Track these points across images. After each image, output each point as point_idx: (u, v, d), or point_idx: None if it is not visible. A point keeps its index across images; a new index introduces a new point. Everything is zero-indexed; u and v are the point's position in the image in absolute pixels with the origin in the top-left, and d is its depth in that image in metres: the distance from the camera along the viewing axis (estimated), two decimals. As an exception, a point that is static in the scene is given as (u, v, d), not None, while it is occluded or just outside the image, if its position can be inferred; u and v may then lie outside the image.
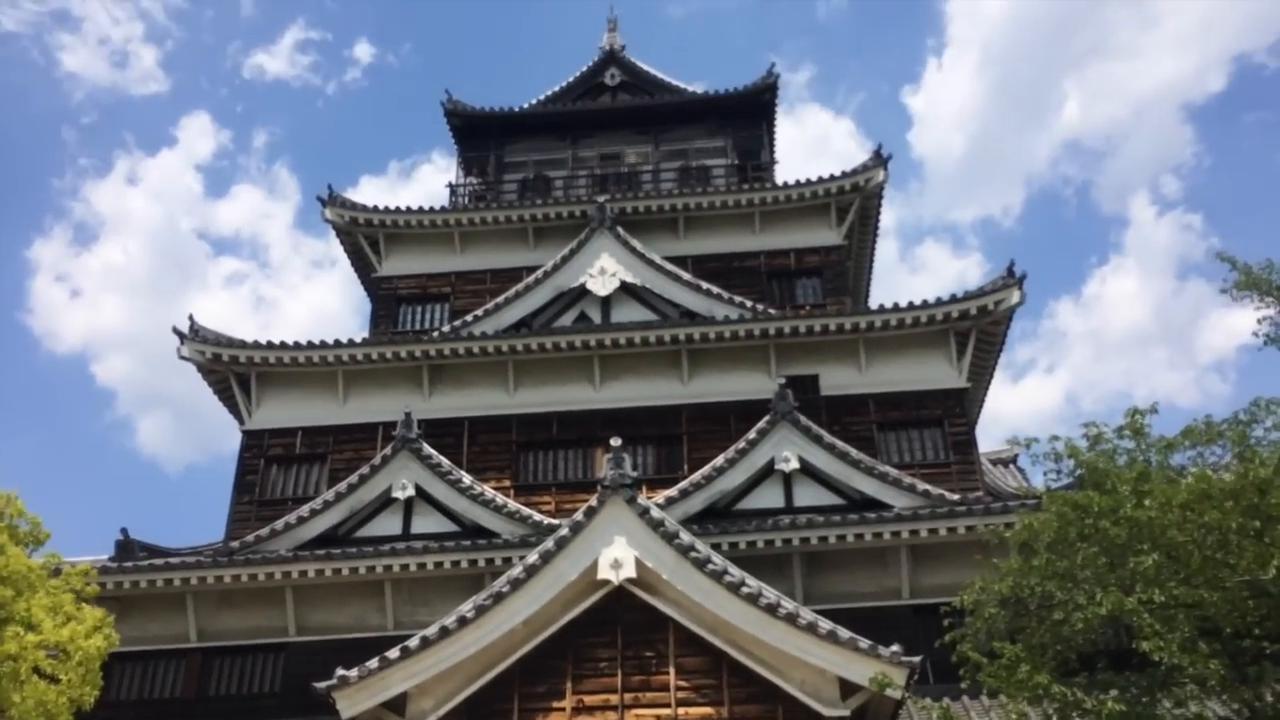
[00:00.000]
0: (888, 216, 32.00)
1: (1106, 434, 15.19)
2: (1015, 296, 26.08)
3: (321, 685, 17.72)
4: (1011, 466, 32.40)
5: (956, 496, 23.36)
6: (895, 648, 16.79)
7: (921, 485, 23.52)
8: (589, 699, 17.93)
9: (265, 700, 22.69)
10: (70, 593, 16.24)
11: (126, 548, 23.37)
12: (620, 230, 29.35)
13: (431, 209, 31.11)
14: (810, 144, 79.99)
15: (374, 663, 17.86)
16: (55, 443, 74.06)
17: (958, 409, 26.28)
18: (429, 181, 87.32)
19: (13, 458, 63.23)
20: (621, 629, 18.34)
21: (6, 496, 16.22)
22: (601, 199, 30.19)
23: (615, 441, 20.24)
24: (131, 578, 22.68)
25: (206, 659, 23.25)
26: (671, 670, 17.97)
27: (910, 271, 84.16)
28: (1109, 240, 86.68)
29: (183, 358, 27.48)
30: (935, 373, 26.61)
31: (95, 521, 70.80)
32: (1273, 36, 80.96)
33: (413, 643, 18.00)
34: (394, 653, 17.96)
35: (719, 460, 24.26)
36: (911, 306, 26.50)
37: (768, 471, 24.04)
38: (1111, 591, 12.61)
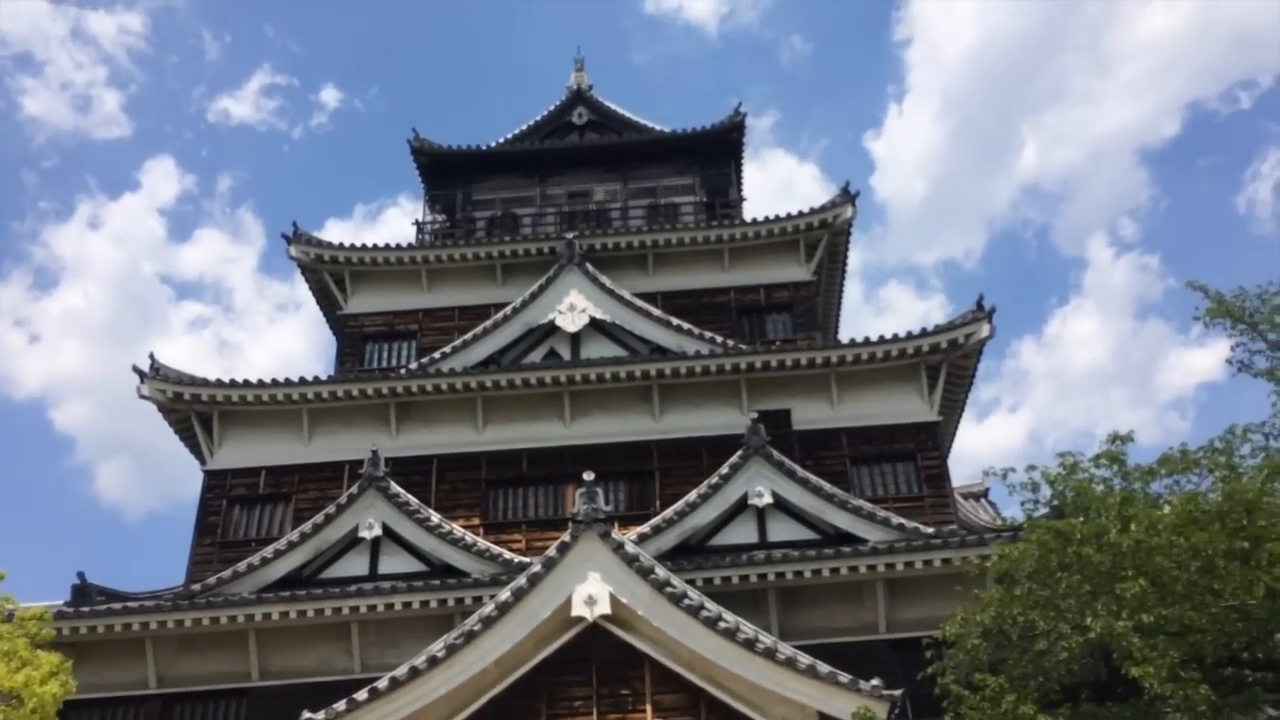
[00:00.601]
0: (852, 259, 32.18)
1: (1083, 463, 15.19)
2: (985, 330, 26.21)
3: (287, 730, 17.22)
4: (983, 500, 32.43)
5: (931, 529, 23.26)
6: (876, 681, 16.60)
7: (895, 519, 23.38)
8: (564, 739, 17.54)
9: (227, 748, 22.02)
10: (25, 638, 15.74)
11: (84, 592, 22.69)
12: (589, 267, 29.24)
13: (399, 246, 30.86)
14: (775, 188, 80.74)
15: (341, 705, 17.41)
16: (12, 489, 72.43)
17: (930, 442, 26.26)
18: (395, 224, 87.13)
19: (-34, 505, 61.65)
20: (596, 667, 18.00)
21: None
22: (570, 236, 30.10)
23: (588, 475, 19.96)
24: (89, 622, 21.98)
25: (166, 706, 22.50)
26: (648, 708, 17.65)
27: (875, 313, 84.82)
28: (1069, 281, 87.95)
29: (143, 397, 26.89)
30: (907, 407, 26.60)
31: (52, 570, 69.13)
32: (1223, 85, 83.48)
33: (381, 684, 17.58)
34: (362, 694, 17.54)
35: (691, 496, 24.00)
36: (883, 340, 26.53)
37: (741, 507, 23.82)
38: (1100, 616, 12.48)
